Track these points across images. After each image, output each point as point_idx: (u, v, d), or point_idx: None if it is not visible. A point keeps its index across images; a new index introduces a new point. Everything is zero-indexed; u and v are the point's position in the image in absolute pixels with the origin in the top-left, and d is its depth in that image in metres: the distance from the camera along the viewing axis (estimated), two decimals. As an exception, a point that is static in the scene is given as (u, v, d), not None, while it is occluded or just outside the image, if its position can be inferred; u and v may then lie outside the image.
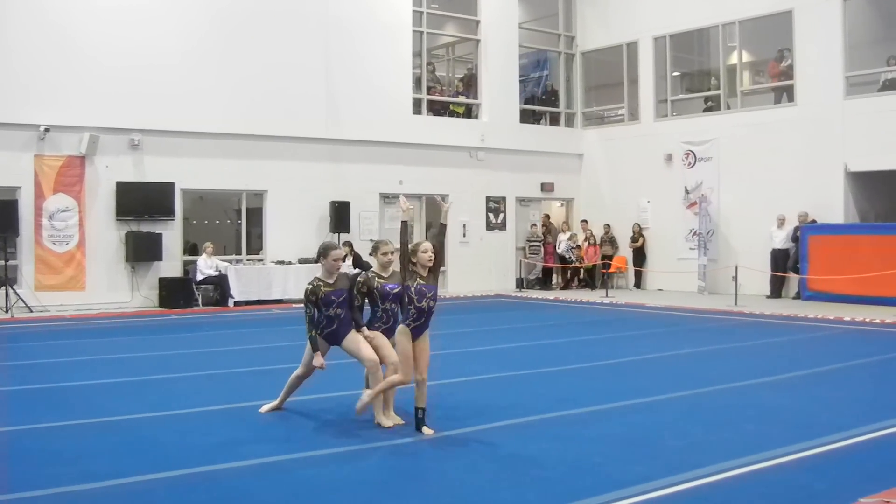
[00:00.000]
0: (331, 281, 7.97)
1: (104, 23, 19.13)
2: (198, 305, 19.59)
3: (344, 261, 8.21)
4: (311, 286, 7.96)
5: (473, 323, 16.79)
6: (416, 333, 7.47)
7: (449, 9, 25.34)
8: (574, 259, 25.17)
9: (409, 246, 7.69)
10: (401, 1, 23.27)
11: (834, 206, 20.48)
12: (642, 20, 24.79)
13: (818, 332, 15.07)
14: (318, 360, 7.92)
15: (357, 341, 7.88)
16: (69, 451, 6.89)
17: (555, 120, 26.97)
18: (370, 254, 8.39)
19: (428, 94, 24.13)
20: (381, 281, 7.99)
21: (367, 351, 7.82)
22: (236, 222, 22.28)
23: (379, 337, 7.96)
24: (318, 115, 21.65)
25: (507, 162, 25.03)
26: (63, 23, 18.73)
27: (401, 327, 7.54)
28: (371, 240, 20.79)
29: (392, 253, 8.17)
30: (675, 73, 25.36)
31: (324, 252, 8.09)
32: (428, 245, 7.66)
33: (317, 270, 8.39)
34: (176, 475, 6.19)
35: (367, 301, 8.08)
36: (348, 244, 20.60)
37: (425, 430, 7.40)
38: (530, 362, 11.54)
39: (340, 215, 21.48)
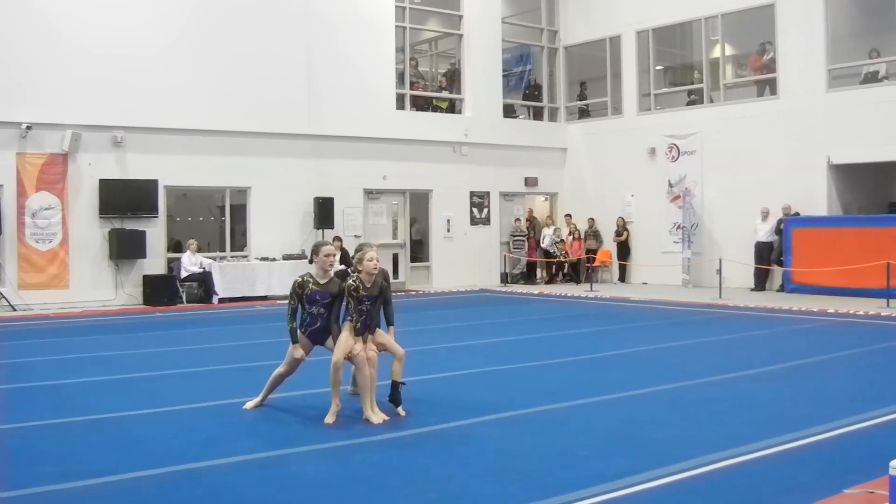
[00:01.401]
0: (321, 281, 7.96)
1: (86, 20, 19.03)
2: (182, 303, 19.55)
3: (335, 256, 8.17)
4: (300, 279, 7.98)
5: (458, 318, 16.79)
6: (362, 330, 7.82)
7: (431, 4, 25.28)
8: (558, 253, 25.21)
9: (357, 256, 7.92)
10: (383, -4, 23.30)
11: (817, 199, 20.57)
12: (625, 14, 24.84)
13: (802, 324, 15.15)
14: (298, 351, 8.01)
15: (341, 340, 7.87)
16: (54, 450, 6.86)
17: (538, 114, 26.99)
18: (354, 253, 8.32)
19: (411, 89, 24.12)
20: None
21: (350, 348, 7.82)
22: (220, 219, 22.21)
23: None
24: (300, 111, 21.61)
25: (490, 157, 25.05)
26: (45, 20, 18.62)
27: (347, 323, 7.86)
28: (356, 236, 20.95)
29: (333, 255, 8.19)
30: (658, 67, 25.42)
31: (315, 250, 8.10)
32: (373, 254, 7.84)
33: (302, 267, 8.39)
34: (161, 472, 6.17)
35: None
36: (338, 239, 20.55)
37: (400, 409, 7.89)
38: (515, 357, 11.55)
39: (324, 211, 21.44)
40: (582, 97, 26.99)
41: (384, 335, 8.09)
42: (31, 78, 18.46)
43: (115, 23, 19.33)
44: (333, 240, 19.95)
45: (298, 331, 8.03)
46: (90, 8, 19.13)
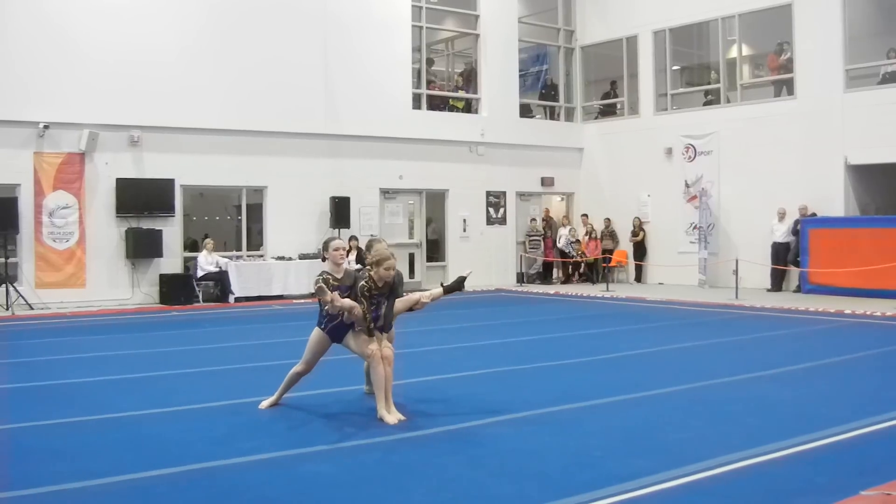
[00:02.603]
0: (338, 275, 7.97)
1: (102, 20, 19.11)
2: (198, 302, 19.59)
3: (348, 254, 8.19)
4: (321, 277, 7.84)
5: (474, 317, 16.78)
6: (377, 327, 7.89)
7: (448, 3, 25.30)
8: (574, 253, 25.17)
9: (375, 257, 7.84)
10: (400, -4, 23.32)
11: (834, 199, 20.48)
12: (642, 14, 24.78)
13: (819, 325, 15.07)
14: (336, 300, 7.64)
15: (357, 336, 7.87)
16: (70, 449, 6.89)
17: (554, 114, 26.96)
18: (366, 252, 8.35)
19: (427, 89, 24.12)
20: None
21: (366, 345, 7.81)
22: (236, 218, 22.27)
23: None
24: (317, 111, 21.64)
25: (507, 156, 25.04)
26: (61, 20, 18.71)
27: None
28: (372, 235, 20.91)
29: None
30: (675, 67, 25.35)
31: (325, 246, 8.15)
32: (392, 262, 7.80)
33: (317, 266, 8.38)
34: (176, 471, 6.18)
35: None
36: (354, 238, 20.57)
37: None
38: (530, 357, 11.53)
39: (340, 211, 21.47)
40: (613, 95, 26.73)
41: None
42: (48, 78, 18.54)
43: (129, 22, 19.39)
44: (350, 239, 20.01)
45: (318, 328, 8.03)
46: (107, 10, 19.19)
